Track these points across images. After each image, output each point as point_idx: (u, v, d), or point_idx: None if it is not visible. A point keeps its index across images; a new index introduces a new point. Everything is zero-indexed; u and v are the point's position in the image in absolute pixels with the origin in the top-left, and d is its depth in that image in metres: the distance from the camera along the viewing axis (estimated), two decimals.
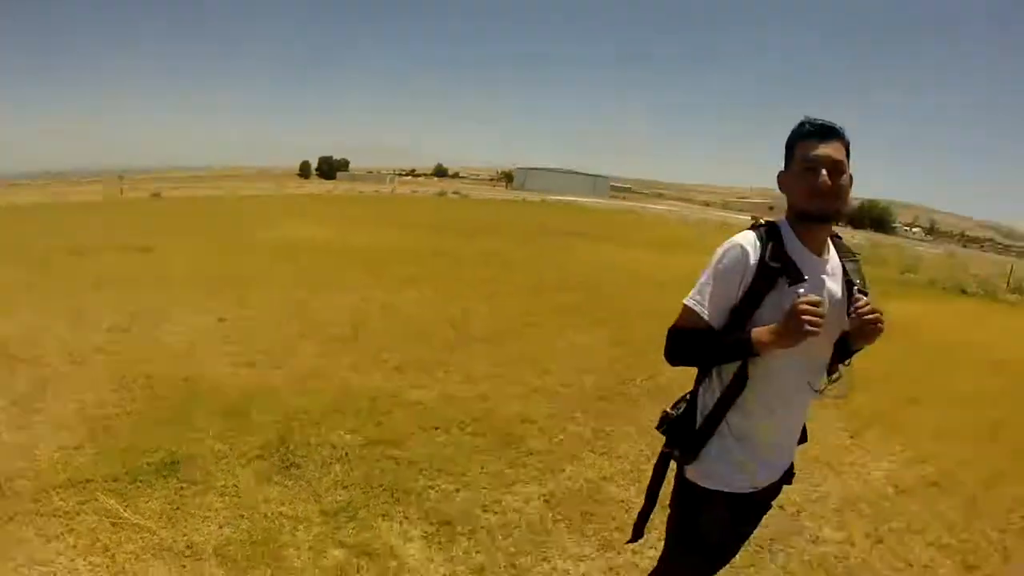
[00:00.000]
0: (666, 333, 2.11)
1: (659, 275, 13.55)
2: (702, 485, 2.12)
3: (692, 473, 2.14)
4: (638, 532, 2.34)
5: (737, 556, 3.65)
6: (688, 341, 2.06)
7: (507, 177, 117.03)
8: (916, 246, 63.05)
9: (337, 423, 4.66)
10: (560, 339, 7.73)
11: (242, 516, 3.49)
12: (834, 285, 2.06)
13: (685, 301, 2.04)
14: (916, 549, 4.20)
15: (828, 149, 1.95)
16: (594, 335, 8.07)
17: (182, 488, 3.69)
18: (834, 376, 2.15)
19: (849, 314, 2.00)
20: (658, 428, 2.23)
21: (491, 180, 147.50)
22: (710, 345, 2.01)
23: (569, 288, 11.36)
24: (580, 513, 3.89)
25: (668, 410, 2.23)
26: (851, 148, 2.03)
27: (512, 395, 5.65)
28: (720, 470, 2.10)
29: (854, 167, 2.06)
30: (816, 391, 2.14)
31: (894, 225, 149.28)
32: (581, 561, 3.48)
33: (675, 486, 2.22)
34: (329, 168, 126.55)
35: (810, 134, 1.98)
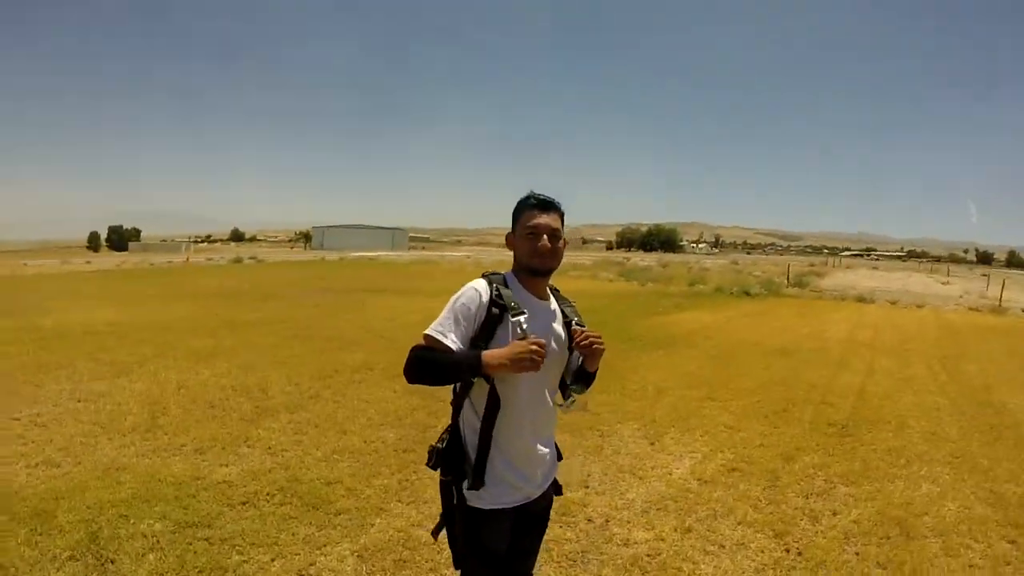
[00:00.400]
0: (408, 354, 2.30)
1: None
2: (479, 507, 2.35)
3: (471, 497, 2.35)
4: (436, 533, 2.55)
5: (550, 571, 3.86)
6: (429, 356, 2.27)
7: (305, 237, 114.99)
8: (703, 260, 68.44)
9: (145, 513, 4.36)
10: (358, 397, 7.65)
11: None
12: (556, 325, 2.49)
13: (427, 332, 2.30)
14: (725, 531, 4.55)
15: (547, 219, 2.40)
16: (392, 388, 8.00)
17: None
18: (569, 401, 2.58)
19: (570, 347, 2.49)
20: (428, 464, 2.43)
21: (290, 242, 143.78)
22: (447, 359, 2.25)
23: (365, 345, 11.22)
24: (393, 562, 3.90)
25: (434, 444, 2.44)
26: (565, 217, 2.50)
27: (315, 459, 5.53)
28: (494, 491, 2.36)
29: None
30: (559, 405, 2.57)
31: (681, 244, 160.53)
32: None
33: (459, 509, 2.39)
34: (120, 238, 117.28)
35: (534, 206, 2.42)
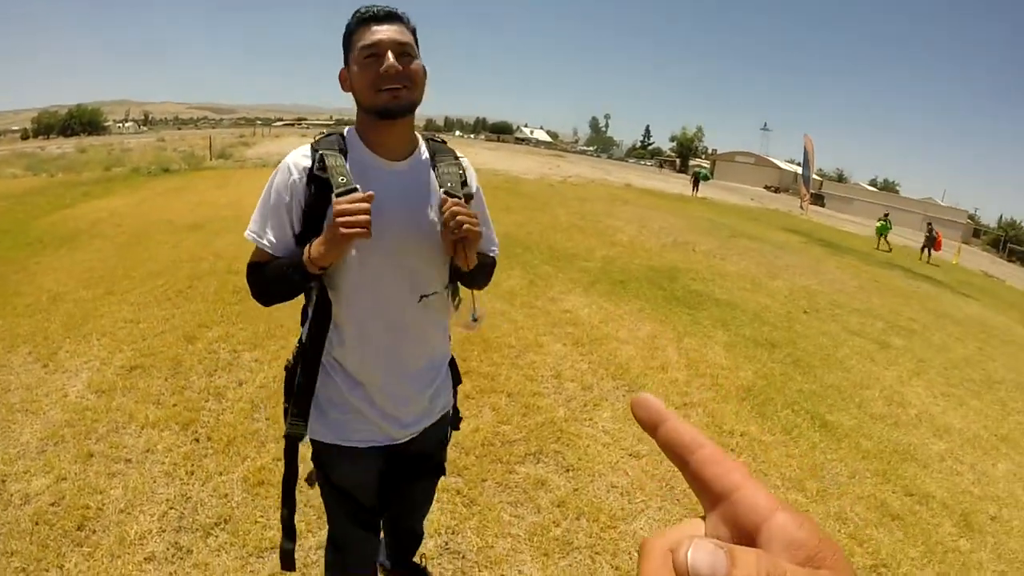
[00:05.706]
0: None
1: None
2: (319, 439, 1.90)
3: (312, 427, 1.89)
4: (288, 562, 1.97)
5: None
6: (258, 275, 1.80)
7: None
8: (128, 140, 63.24)
9: None
10: None
11: None
12: (420, 195, 1.81)
13: (245, 234, 1.80)
14: (129, 442, 4.13)
15: (390, 31, 1.68)
16: None
17: None
18: (469, 312, 2.01)
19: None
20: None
21: None
22: (274, 273, 1.75)
23: None
24: None
25: (289, 359, 1.92)
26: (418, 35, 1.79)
27: None
28: (334, 419, 1.88)
29: None
30: (464, 325, 2.03)
31: (106, 124, 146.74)
32: None
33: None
34: None
35: (365, 19, 1.69)
